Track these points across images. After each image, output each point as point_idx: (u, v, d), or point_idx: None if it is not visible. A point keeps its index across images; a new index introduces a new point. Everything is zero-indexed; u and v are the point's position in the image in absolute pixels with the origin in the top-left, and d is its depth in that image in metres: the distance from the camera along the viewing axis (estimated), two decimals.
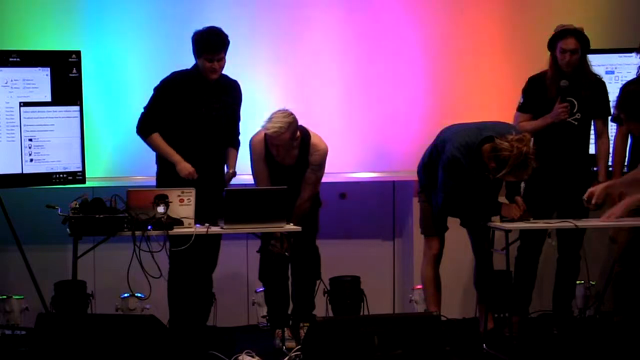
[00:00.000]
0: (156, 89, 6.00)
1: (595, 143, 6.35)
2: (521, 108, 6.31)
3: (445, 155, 5.79)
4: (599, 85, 6.29)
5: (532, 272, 6.30)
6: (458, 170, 5.76)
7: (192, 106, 5.93)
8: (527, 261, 6.26)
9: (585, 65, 6.23)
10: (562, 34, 6.15)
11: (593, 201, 5.74)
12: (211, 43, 5.91)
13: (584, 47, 6.18)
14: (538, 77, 6.28)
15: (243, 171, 6.32)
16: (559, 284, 6.36)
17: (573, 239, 6.21)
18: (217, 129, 6.01)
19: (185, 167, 5.87)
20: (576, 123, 6.22)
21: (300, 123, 6.05)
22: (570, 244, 6.24)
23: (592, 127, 6.33)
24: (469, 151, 5.73)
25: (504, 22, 6.91)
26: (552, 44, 6.19)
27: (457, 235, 6.21)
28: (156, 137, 5.95)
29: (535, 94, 6.25)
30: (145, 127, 5.96)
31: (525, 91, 6.31)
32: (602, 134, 6.32)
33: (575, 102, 6.19)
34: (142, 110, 6.02)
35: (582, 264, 6.29)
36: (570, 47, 6.13)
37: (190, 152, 5.92)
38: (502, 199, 6.00)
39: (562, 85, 6.15)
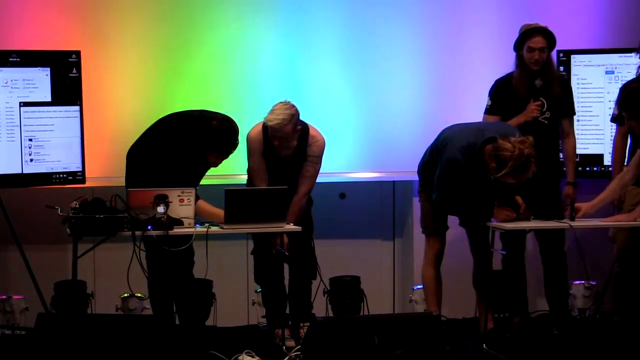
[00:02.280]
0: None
1: (562, 142, 6.36)
2: (489, 111, 6.31)
3: (446, 156, 5.78)
4: (564, 84, 6.32)
5: (521, 272, 6.31)
6: (456, 171, 5.75)
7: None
8: (513, 262, 6.25)
9: (551, 63, 6.26)
10: (529, 32, 6.19)
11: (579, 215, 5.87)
12: (230, 152, 5.82)
13: (551, 45, 6.21)
14: (505, 79, 6.30)
15: (241, 171, 6.32)
16: (549, 283, 6.36)
17: (554, 238, 6.22)
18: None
19: None
20: (546, 122, 6.25)
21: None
22: (553, 243, 6.25)
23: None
24: (470, 152, 5.72)
25: (504, 21, 6.91)
26: (519, 44, 6.21)
27: (457, 235, 6.21)
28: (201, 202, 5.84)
29: (503, 96, 6.26)
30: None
31: (493, 93, 6.32)
32: (568, 133, 6.34)
33: (544, 102, 6.22)
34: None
35: (581, 263, 6.30)
36: (538, 45, 6.16)
37: (174, 180, 5.80)
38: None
39: (536, 84, 6.18)
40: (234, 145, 5.80)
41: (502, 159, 5.59)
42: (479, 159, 5.71)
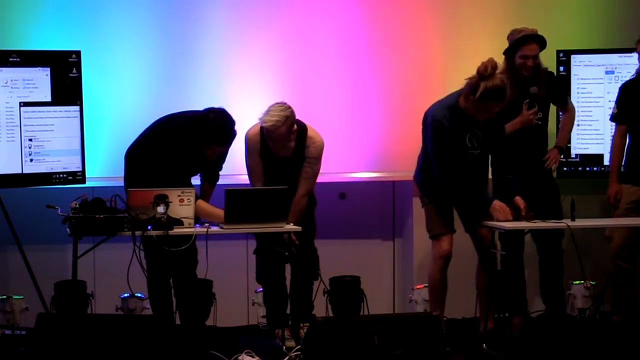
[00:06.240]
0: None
1: (562, 117, 6.48)
2: None
3: (429, 125, 5.81)
4: (550, 78, 6.34)
5: (519, 272, 6.32)
6: (443, 134, 5.78)
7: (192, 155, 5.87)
8: (512, 262, 6.25)
9: (539, 66, 6.27)
10: (524, 39, 6.18)
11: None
12: (228, 141, 5.85)
13: (541, 49, 6.24)
14: None
15: (241, 171, 6.32)
16: (545, 282, 6.40)
17: (551, 236, 6.23)
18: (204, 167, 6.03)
19: None
20: (540, 122, 6.28)
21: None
22: (550, 241, 6.27)
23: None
24: (449, 109, 5.79)
25: (503, 22, 6.89)
26: (512, 50, 6.20)
27: (457, 236, 6.20)
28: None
29: None
30: None
31: None
32: (566, 110, 6.44)
33: (536, 103, 6.23)
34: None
35: (578, 263, 6.30)
36: (533, 52, 6.19)
37: (174, 181, 5.77)
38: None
39: (531, 92, 6.19)
40: (232, 133, 5.81)
41: (474, 82, 5.68)
42: (459, 114, 5.77)
